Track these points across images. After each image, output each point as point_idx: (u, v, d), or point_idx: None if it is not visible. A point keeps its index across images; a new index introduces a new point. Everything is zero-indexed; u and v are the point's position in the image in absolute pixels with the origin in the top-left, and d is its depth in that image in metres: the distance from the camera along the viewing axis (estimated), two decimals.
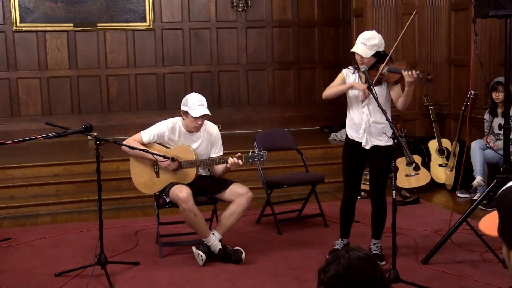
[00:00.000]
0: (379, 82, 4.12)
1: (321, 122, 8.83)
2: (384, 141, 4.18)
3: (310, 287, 3.80)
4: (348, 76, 4.27)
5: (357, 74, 4.25)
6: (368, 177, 4.62)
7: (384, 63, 4.08)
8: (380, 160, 4.23)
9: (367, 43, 4.06)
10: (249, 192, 4.39)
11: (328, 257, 1.47)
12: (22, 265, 4.39)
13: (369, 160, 4.31)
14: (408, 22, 4.23)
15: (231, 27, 8.81)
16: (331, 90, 4.25)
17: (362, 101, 4.14)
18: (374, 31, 4.27)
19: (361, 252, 1.44)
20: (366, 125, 4.16)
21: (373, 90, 3.96)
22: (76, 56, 8.34)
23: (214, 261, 4.32)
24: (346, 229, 4.47)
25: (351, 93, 4.22)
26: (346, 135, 4.35)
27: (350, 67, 4.34)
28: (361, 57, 4.08)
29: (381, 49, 4.12)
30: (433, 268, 4.15)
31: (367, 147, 4.20)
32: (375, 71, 4.10)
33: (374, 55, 4.09)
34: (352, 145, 4.28)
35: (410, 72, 3.96)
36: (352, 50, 4.14)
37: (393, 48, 4.27)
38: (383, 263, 4.22)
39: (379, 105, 3.98)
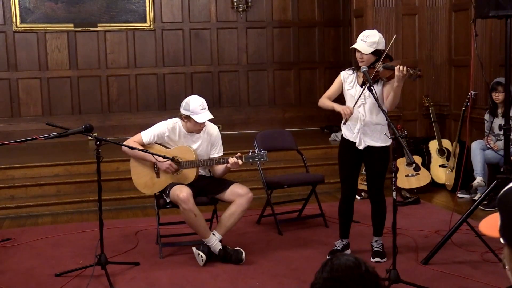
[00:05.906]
0: (376, 80, 4.14)
1: (321, 122, 8.82)
2: (379, 142, 4.20)
3: None
4: (346, 79, 4.28)
5: (355, 74, 4.26)
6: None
7: (381, 60, 4.10)
8: (374, 162, 4.25)
9: (367, 40, 4.09)
10: (250, 193, 4.39)
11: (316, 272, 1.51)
12: (22, 266, 4.39)
13: (364, 161, 4.32)
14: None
15: (231, 27, 8.81)
16: (324, 102, 4.31)
17: (344, 123, 4.19)
18: (375, 30, 4.30)
19: (344, 256, 1.51)
20: (361, 125, 4.17)
21: (373, 90, 3.96)
22: (77, 57, 8.34)
23: (215, 262, 4.32)
24: (345, 229, 4.48)
25: (347, 92, 4.24)
26: (342, 135, 4.36)
27: (348, 69, 4.35)
28: (361, 54, 4.10)
29: (381, 47, 4.13)
30: (433, 269, 4.15)
31: (361, 147, 4.21)
32: (373, 69, 4.12)
33: (374, 53, 4.10)
34: (348, 145, 4.29)
35: (401, 67, 3.99)
36: (353, 46, 4.18)
37: (388, 46, 4.24)
38: (385, 260, 4.25)
39: (379, 105, 3.98)
